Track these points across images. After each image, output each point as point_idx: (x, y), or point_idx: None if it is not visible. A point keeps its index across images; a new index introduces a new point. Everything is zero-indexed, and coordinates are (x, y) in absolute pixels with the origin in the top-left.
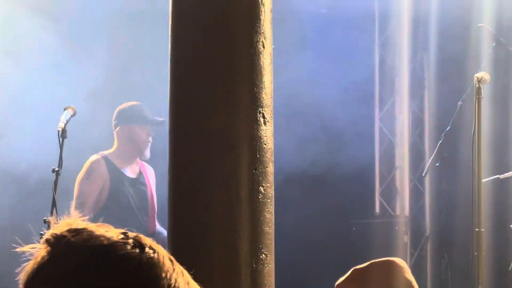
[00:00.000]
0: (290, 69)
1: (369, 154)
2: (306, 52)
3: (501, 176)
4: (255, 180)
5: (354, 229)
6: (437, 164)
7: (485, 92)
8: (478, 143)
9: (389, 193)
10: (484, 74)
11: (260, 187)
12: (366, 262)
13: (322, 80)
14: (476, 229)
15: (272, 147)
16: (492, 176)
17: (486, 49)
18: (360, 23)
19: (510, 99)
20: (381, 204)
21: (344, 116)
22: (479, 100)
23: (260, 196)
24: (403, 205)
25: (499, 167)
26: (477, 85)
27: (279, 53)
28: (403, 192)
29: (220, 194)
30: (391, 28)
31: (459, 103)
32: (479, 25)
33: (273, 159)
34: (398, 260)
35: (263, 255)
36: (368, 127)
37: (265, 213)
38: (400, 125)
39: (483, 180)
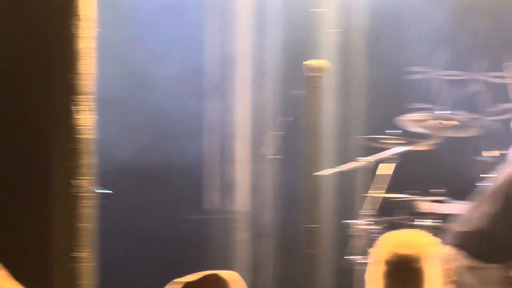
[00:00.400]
0: (124, 58)
1: (206, 146)
2: (140, 41)
3: (342, 169)
4: (69, 173)
5: (189, 225)
6: (278, 157)
7: (325, 80)
8: (316, 135)
9: (228, 188)
10: (316, 62)
11: (75, 180)
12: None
13: (158, 70)
14: (310, 226)
15: (93, 137)
16: (334, 168)
17: (326, 36)
18: (197, 11)
19: (351, 88)
20: (218, 199)
21: (181, 107)
22: (312, 89)
23: (75, 190)
24: (242, 200)
25: (342, 159)
26: (308, 74)
27: (112, 41)
28: (242, 186)
29: (32, 188)
30: (230, 16)
31: (296, 92)
32: (311, 10)
33: (94, 150)
34: (226, 274)
35: (81, 252)
36: (206, 119)
37: (83, 208)
38: (240, 116)
39: (323, 174)
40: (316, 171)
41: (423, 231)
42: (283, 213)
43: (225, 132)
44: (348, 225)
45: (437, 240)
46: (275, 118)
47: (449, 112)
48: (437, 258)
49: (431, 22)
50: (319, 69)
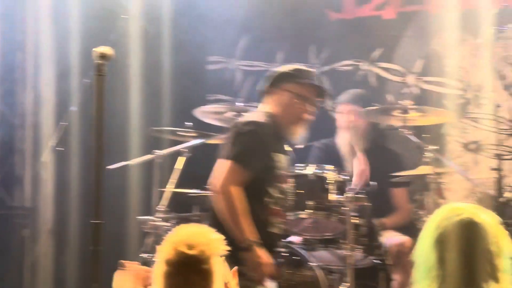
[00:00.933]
0: None
1: None
2: None
3: (129, 163)
4: None
5: None
6: (61, 149)
7: (109, 68)
8: (100, 127)
9: (8, 181)
10: (105, 48)
11: None
12: None
13: None
14: (97, 221)
15: None
16: (119, 162)
17: (126, 23)
18: None
19: (151, 77)
20: (4, 193)
21: None
22: (99, 78)
23: None
24: (23, 194)
25: (139, 151)
26: (97, 61)
27: None
28: (23, 179)
29: None
30: (23, 2)
31: (84, 80)
32: None
33: None
34: None
35: None
36: None
37: None
38: (21, 104)
39: (109, 167)
40: (105, 164)
41: (207, 227)
42: (71, 208)
43: (13, 123)
44: (143, 221)
45: (221, 237)
46: (65, 109)
47: (248, 104)
48: (220, 257)
49: (232, 11)
50: (104, 57)
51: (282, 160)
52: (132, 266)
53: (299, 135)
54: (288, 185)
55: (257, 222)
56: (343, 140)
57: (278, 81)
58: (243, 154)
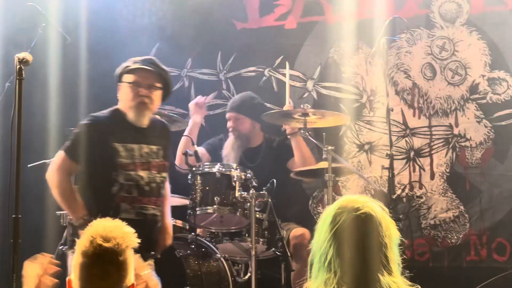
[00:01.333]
0: None
1: None
2: None
3: (48, 161)
4: None
5: None
6: None
7: (30, 73)
8: (19, 127)
9: None
10: (25, 54)
11: None
12: None
13: None
14: (14, 216)
15: None
16: (39, 161)
17: (36, 29)
18: None
19: (70, 81)
20: None
21: None
22: (20, 81)
23: None
24: None
25: (47, 151)
26: (18, 66)
27: None
28: None
29: None
30: None
31: (7, 84)
32: (28, 4)
33: None
34: None
35: None
36: None
37: None
38: None
39: (29, 165)
40: (25, 162)
41: (120, 222)
42: None
43: None
44: (61, 215)
45: (132, 231)
46: None
47: (160, 107)
48: (131, 250)
49: (145, 19)
50: (24, 62)
51: (132, 149)
52: (40, 257)
53: (143, 119)
54: (146, 172)
55: (107, 209)
56: (227, 143)
57: (118, 77)
58: (70, 145)
